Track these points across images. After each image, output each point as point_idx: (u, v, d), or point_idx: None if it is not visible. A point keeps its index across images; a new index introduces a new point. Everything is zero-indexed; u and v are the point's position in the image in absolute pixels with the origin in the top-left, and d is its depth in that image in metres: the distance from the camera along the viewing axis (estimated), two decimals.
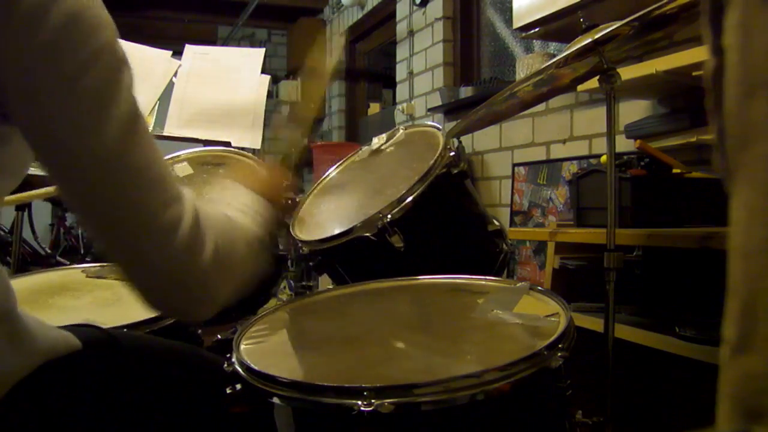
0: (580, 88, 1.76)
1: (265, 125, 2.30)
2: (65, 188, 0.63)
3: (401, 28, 3.91)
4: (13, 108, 0.59)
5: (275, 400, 0.74)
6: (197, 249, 0.65)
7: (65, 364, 0.72)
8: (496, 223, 1.43)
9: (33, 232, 4.31)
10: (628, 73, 1.63)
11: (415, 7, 3.72)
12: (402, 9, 3.91)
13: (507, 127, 2.87)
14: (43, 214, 5.18)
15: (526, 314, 0.90)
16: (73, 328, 0.78)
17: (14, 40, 0.56)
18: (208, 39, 5.46)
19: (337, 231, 1.30)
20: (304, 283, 3.31)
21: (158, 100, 2.24)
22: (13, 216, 2.12)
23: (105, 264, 1.44)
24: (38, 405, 0.68)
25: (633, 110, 2.07)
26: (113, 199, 0.61)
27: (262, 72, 2.36)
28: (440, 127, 1.48)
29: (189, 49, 2.40)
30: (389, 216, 1.23)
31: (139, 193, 0.62)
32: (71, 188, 0.62)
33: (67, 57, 0.57)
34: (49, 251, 4.54)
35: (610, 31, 1.09)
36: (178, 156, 1.80)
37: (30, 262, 3.91)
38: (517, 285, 1.03)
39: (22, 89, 0.58)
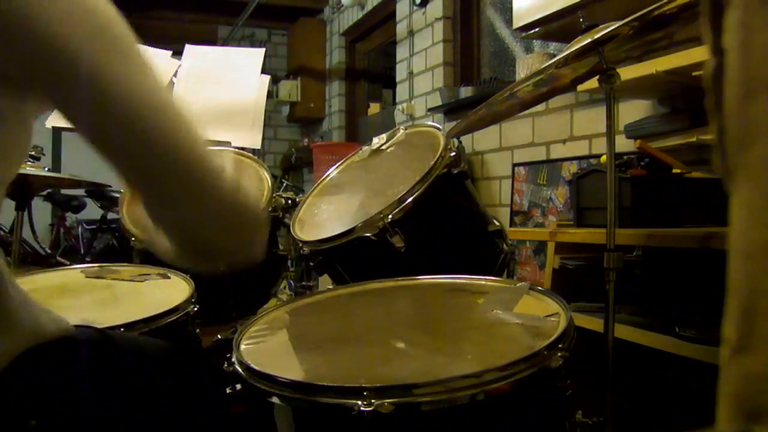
0: (580, 88, 1.76)
1: (265, 125, 2.30)
2: (122, 149, 0.62)
3: (401, 28, 3.91)
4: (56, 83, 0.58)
5: (275, 400, 0.74)
6: (242, 190, 0.69)
7: (56, 348, 0.71)
8: (497, 223, 1.43)
9: (33, 232, 4.32)
10: (628, 73, 1.63)
11: (415, 7, 3.72)
12: (402, 9, 3.91)
13: (507, 127, 2.87)
14: (43, 214, 5.18)
15: (526, 314, 0.90)
16: None
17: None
18: (208, 39, 5.46)
19: (337, 231, 1.30)
20: (304, 283, 3.31)
21: None
22: (13, 216, 2.12)
23: (104, 264, 1.44)
24: (28, 387, 0.68)
25: (633, 110, 2.07)
26: (172, 144, 0.63)
27: (262, 72, 2.36)
28: (440, 127, 1.48)
29: (189, 49, 2.40)
30: (390, 216, 1.23)
31: (192, 138, 0.64)
32: (130, 146, 0.62)
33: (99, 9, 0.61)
34: (49, 251, 4.54)
35: (610, 31, 1.09)
36: None
37: (30, 262, 3.91)
38: (517, 285, 1.03)
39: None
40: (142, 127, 0.60)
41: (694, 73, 1.55)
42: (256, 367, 0.78)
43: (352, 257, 1.33)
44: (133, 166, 0.64)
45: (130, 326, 0.99)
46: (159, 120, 0.61)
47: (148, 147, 0.62)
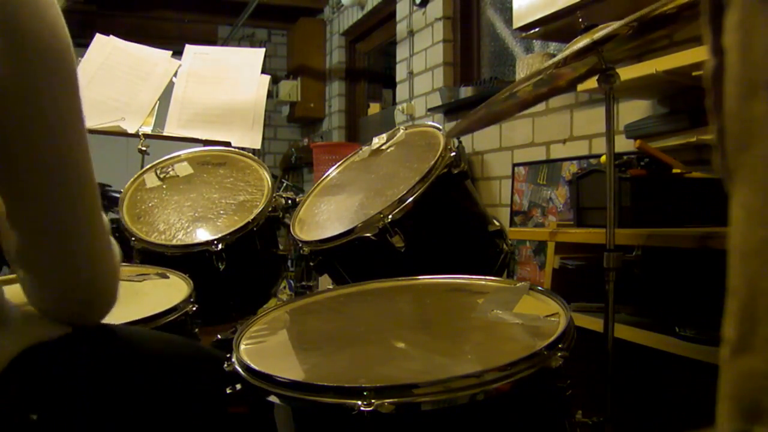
0: (579, 88, 1.76)
1: (265, 125, 2.31)
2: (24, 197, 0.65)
3: (401, 28, 3.91)
4: None
5: (275, 399, 0.74)
6: (115, 251, 0.74)
7: (56, 346, 0.72)
8: (497, 223, 1.43)
9: None
10: (627, 73, 1.63)
11: (415, 7, 3.72)
12: (402, 9, 3.91)
13: (507, 127, 2.87)
14: None
15: (526, 314, 0.90)
16: None
17: None
18: (208, 39, 5.46)
19: (337, 231, 1.30)
20: (304, 283, 3.32)
21: (158, 100, 2.24)
22: None
23: None
24: (29, 382, 0.68)
25: (633, 110, 2.07)
26: (71, 197, 0.67)
27: (262, 72, 2.36)
28: (440, 127, 1.48)
29: (189, 49, 2.40)
30: (390, 216, 1.23)
31: (92, 193, 0.69)
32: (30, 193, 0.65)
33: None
34: None
35: (610, 31, 1.09)
36: (178, 156, 1.81)
37: None
38: (517, 285, 1.03)
39: None
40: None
41: (694, 73, 1.55)
42: (256, 367, 0.78)
43: (352, 257, 1.33)
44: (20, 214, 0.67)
45: (128, 326, 0.99)
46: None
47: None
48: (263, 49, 2.45)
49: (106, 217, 0.72)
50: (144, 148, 2.13)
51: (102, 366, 0.75)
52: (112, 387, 0.75)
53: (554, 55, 2.34)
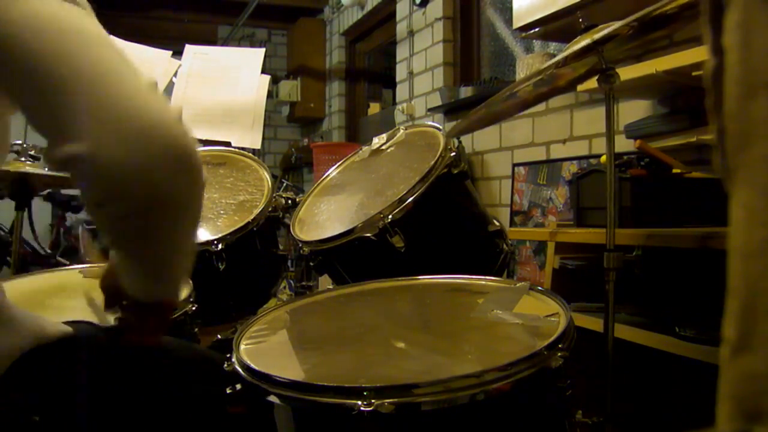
0: (580, 88, 1.76)
1: (265, 125, 2.31)
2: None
3: (401, 28, 3.91)
4: None
5: (275, 399, 0.74)
6: (177, 115, 0.63)
7: (58, 348, 0.72)
8: (497, 223, 1.43)
9: (33, 232, 4.32)
10: (628, 73, 1.63)
11: (415, 7, 3.71)
12: (402, 9, 3.91)
13: (507, 127, 2.87)
14: (43, 214, 5.18)
15: (526, 314, 0.90)
16: (68, 324, 0.78)
17: None
18: (208, 39, 5.46)
19: (337, 231, 1.30)
20: (304, 283, 3.31)
21: None
22: (13, 216, 2.12)
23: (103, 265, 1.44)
24: (31, 384, 0.68)
25: (633, 110, 2.07)
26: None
27: (262, 72, 2.36)
28: (440, 127, 1.48)
29: (189, 49, 2.40)
30: (390, 216, 1.23)
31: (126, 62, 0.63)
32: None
33: None
34: (49, 251, 4.54)
35: (610, 31, 1.09)
36: None
37: (30, 262, 3.91)
38: (517, 285, 1.03)
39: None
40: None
41: (694, 73, 1.55)
42: (256, 367, 0.78)
43: (352, 257, 1.33)
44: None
45: None
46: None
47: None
48: (263, 49, 2.45)
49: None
50: None
51: (102, 367, 0.75)
52: (113, 388, 0.75)
53: (554, 55, 2.34)
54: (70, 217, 5.12)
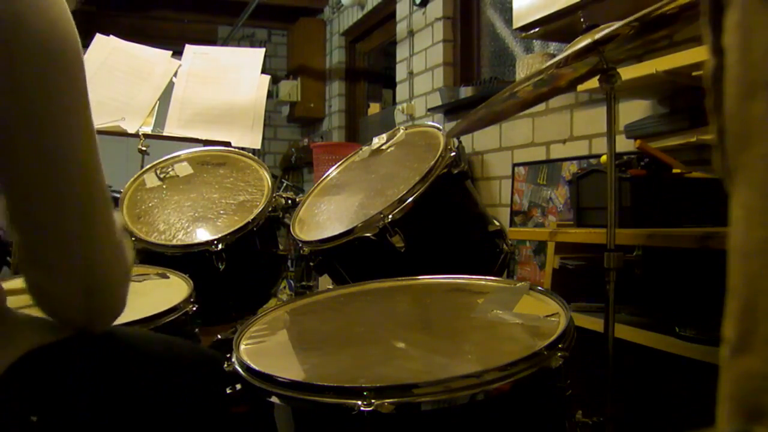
0: (580, 88, 1.76)
1: (265, 125, 2.31)
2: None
3: (401, 28, 3.91)
4: None
5: (275, 399, 0.74)
6: (126, 256, 0.73)
7: (56, 349, 0.71)
8: (497, 223, 1.43)
9: None
10: (628, 73, 1.63)
11: (415, 7, 3.72)
12: (402, 9, 3.91)
13: (507, 127, 2.87)
14: None
15: (526, 314, 0.90)
16: None
17: None
18: (208, 39, 5.46)
19: (337, 231, 1.30)
20: (304, 283, 3.31)
21: (158, 100, 2.24)
22: None
23: None
24: (30, 384, 0.68)
25: (633, 110, 2.07)
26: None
27: (262, 72, 2.37)
28: (440, 127, 1.48)
29: (189, 49, 2.40)
30: (390, 216, 1.23)
31: (99, 195, 0.68)
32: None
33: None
34: None
35: (610, 31, 1.09)
36: (178, 156, 1.81)
37: None
38: (517, 285, 1.03)
39: None
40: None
41: (694, 73, 1.55)
42: (256, 367, 0.78)
43: (352, 257, 1.33)
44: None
45: (128, 326, 0.99)
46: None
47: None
48: (263, 49, 2.45)
49: (121, 218, 0.71)
50: (144, 148, 2.13)
51: (102, 368, 0.75)
52: (112, 388, 0.75)
53: (554, 55, 2.34)
54: None
